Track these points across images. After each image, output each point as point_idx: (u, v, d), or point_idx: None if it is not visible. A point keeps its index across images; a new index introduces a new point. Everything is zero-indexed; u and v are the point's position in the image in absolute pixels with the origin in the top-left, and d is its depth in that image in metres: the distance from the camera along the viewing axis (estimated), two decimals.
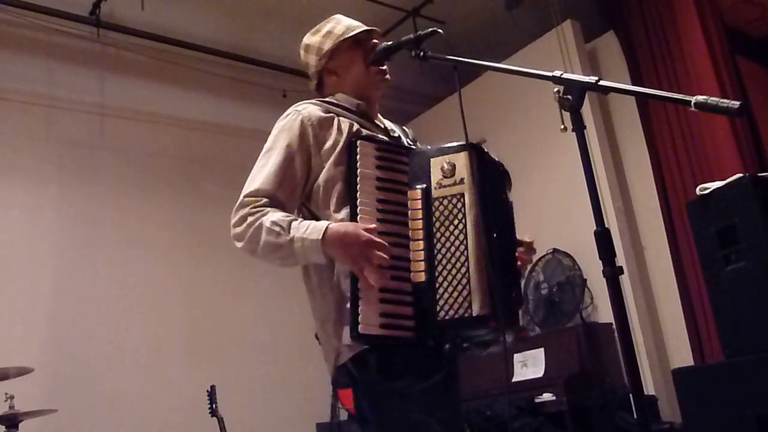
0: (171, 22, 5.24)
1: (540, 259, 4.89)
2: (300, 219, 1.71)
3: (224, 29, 5.45)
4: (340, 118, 1.84)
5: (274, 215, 1.70)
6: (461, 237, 1.61)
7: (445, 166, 1.68)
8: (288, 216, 1.71)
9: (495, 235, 1.65)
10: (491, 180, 1.72)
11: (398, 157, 1.74)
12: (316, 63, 1.97)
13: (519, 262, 1.79)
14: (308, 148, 1.79)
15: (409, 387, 1.62)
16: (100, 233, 4.90)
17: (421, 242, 1.64)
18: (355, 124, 1.84)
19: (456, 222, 1.63)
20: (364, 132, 1.82)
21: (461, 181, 1.66)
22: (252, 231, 1.70)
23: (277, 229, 1.66)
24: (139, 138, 5.28)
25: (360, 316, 1.56)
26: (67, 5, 4.83)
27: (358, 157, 1.69)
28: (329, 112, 1.85)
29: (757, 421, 2.46)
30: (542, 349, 4.49)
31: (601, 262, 1.44)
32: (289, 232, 1.65)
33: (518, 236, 1.84)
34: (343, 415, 3.88)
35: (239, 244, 1.74)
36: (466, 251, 1.60)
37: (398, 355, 1.64)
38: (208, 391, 4.12)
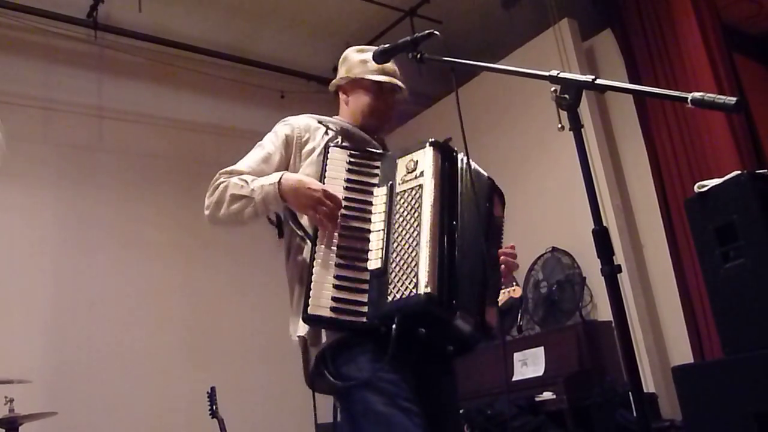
0: (168, 24, 5.24)
1: (539, 258, 4.89)
2: None
3: (222, 31, 5.45)
4: (329, 131, 1.96)
5: (242, 176, 1.86)
6: (415, 224, 1.68)
7: (410, 163, 1.78)
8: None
9: (455, 222, 1.72)
10: (467, 183, 1.81)
11: (369, 162, 1.84)
12: (339, 79, 2.11)
13: (503, 267, 1.88)
14: (289, 149, 1.94)
15: (369, 375, 1.63)
16: (99, 235, 4.90)
17: (380, 233, 1.72)
18: (339, 137, 1.94)
19: (413, 211, 1.70)
20: (341, 141, 1.91)
21: (421, 174, 1.75)
22: (219, 192, 1.85)
23: (241, 183, 1.83)
24: (137, 140, 5.28)
25: (311, 298, 1.63)
26: (64, 8, 4.83)
27: (327, 162, 1.81)
28: (321, 124, 1.99)
29: (756, 418, 2.47)
30: (542, 348, 4.49)
31: (599, 260, 1.44)
32: (251, 184, 1.80)
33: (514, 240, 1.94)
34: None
35: (207, 211, 1.88)
36: (418, 237, 1.66)
37: (357, 345, 1.68)
38: (208, 392, 4.11)
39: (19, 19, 4.71)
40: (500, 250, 1.91)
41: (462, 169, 1.83)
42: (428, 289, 1.58)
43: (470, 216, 1.77)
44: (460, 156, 1.85)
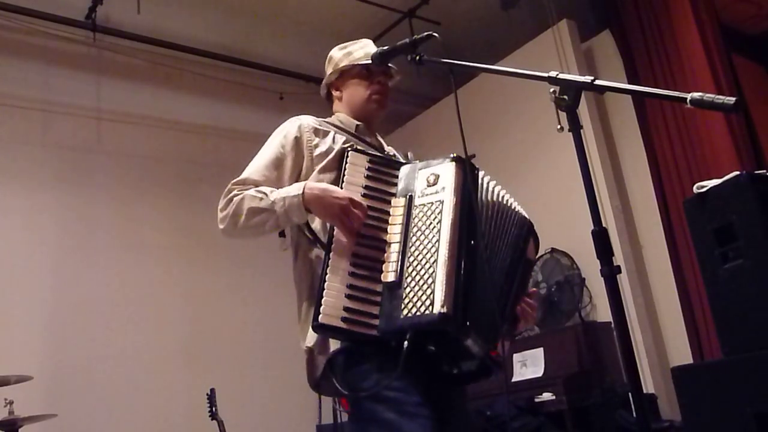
0: (167, 26, 5.24)
1: (538, 259, 4.89)
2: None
3: (221, 32, 5.45)
4: (336, 134, 1.92)
5: (258, 187, 1.80)
6: (434, 240, 1.64)
7: (431, 177, 1.74)
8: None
9: (473, 242, 1.67)
10: (487, 203, 1.78)
11: (389, 170, 1.81)
12: (328, 77, 2.08)
13: (520, 308, 1.84)
14: (301, 152, 1.88)
15: (377, 386, 1.61)
16: (98, 237, 4.90)
17: (397, 245, 1.67)
18: (351, 140, 1.92)
19: (431, 226, 1.66)
20: (357, 145, 1.87)
21: (443, 189, 1.71)
22: (235, 206, 1.78)
23: (260, 195, 1.76)
24: (136, 141, 5.28)
25: (322, 307, 1.59)
26: (63, 9, 4.83)
27: (347, 166, 1.76)
28: (326, 127, 1.94)
29: (755, 418, 2.47)
30: (541, 349, 4.50)
31: (599, 261, 1.44)
32: (270, 197, 1.74)
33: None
34: (344, 417, 3.88)
35: (223, 225, 1.82)
36: (436, 253, 1.62)
37: (365, 355, 1.65)
38: (207, 394, 4.11)
39: (18, 21, 4.71)
40: (524, 300, 1.87)
41: (482, 188, 1.78)
42: (444, 309, 1.54)
43: (489, 238, 1.73)
44: (481, 174, 1.82)
